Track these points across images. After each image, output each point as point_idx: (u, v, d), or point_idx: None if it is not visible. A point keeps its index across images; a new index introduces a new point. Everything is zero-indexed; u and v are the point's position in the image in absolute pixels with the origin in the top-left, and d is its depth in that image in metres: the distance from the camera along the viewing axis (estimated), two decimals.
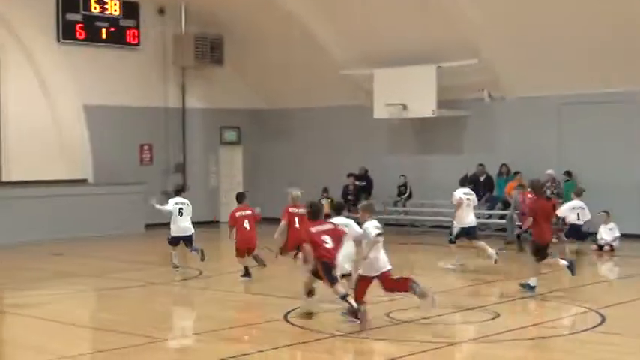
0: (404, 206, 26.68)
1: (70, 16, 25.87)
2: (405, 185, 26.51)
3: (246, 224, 16.77)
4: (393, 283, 12.51)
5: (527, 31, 22.71)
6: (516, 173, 24.04)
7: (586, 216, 19.44)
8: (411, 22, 24.10)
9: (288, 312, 13.17)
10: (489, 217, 24.87)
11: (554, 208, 16.67)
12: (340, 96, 27.22)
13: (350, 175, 26.78)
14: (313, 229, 12.56)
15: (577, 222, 19.36)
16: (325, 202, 25.17)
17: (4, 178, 24.67)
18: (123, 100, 26.90)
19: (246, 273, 16.72)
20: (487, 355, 10.91)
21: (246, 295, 15.92)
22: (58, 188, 23.79)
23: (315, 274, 12.67)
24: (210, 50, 27.76)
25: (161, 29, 28.05)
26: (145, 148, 27.85)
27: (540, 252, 14.77)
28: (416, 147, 26.77)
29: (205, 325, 12.82)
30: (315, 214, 12.85)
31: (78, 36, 26.09)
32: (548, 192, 21.61)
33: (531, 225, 14.89)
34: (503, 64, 24.12)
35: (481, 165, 24.92)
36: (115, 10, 26.83)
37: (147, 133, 27.76)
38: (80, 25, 26.09)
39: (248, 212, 16.94)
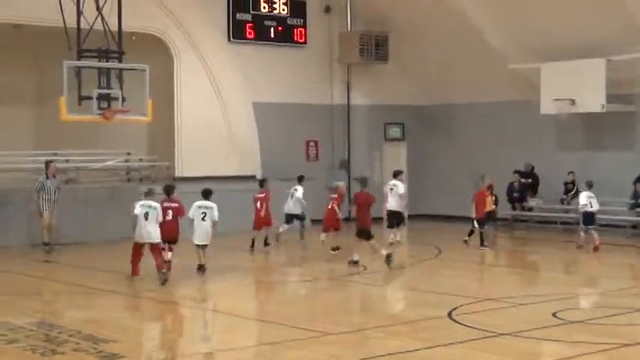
0: (569, 204, 26.05)
1: (241, 16, 26.68)
2: (573, 182, 25.83)
3: (258, 204, 21.12)
4: (156, 255, 15.99)
5: None
6: None
7: (597, 204, 20.98)
8: (579, 13, 23.52)
9: (453, 309, 13.17)
10: None
11: (374, 200, 18.49)
12: (505, 91, 26.86)
13: (516, 172, 26.42)
14: (165, 204, 16.58)
15: (591, 209, 20.79)
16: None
17: (178, 174, 25.55)
18: (290, 97, 27.52)
19: (252, 245, 20.94)
20: None
21: (410, 291, 16.01)
22: (228, 184, 24.41)
23: None
24: (375, 47, 27.95)
25: (327, 27, 28.49)
26: (311, 144, 28.36)
27: (364, 234, 17.89)
28: (584, 143, 26.10)
29: (371, 321, 12.97)
30: (167, 191, 17.04)
31: (247, 35, 26.87)
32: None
33: (356, 213, 18.27)
34: None
35: None
36: (283, 10, 27.48)
37: (313, 130, 28.25)
38: (250, 24, 26.88)
39: (261, 195, 21.28)
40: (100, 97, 19.65)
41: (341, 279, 17.32)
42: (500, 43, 25.96)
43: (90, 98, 19.55)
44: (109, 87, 19.85)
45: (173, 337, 12.64)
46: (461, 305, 13.50)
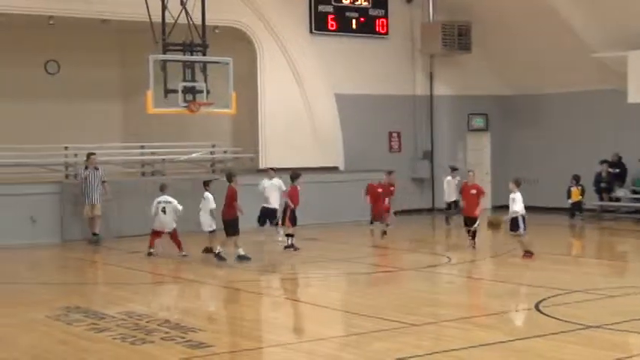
0: None
1: (322, 8, 26.76)
2: None
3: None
4: (175, 241, 18.83)
5: None
6: None
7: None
8: None
9: (540, 301, 13.01)
10: None
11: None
12: (591, 80, 26.40)
13: (603, 162, 25.95)
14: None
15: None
16: (575, 190, 24.64)
17: (262, 165, 25.74)
18: (372, 88, 27.48)
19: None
20: None
21: (497, 283, 15.86)
22: (311, 175, 24.52)
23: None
24: (457, 37, 27.71)
25: (409, 17, 28.36)
26: (394, 135, 28.29)
27: (232, 228, 17.88)
28: None
29: (456, 312, 12.90)
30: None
31: (329, 27, 26.92)
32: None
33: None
34: None
35: None
36: (365, 1, 27.42)
37: (395, 121, 28.18)
38: (331, 16, 26.92)
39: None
40: (185, 90, 19.93)
41: (426, 270, 17.23)
42: (586, 32, 25.49)
43: (175, 91, 19.84)
44: (193, 80, 20.11)
45: (259, 327, 12.74)
46: (548, 297, 13.32)
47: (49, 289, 15.92)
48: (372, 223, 22.45)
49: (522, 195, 17.84)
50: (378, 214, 22.09)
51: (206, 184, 19.00)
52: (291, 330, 12.46)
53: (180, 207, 18.84)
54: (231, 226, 17.94)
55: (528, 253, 17.67)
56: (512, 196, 17.78)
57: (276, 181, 20.72)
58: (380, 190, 22.05)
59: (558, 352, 10.35)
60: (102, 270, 18.85)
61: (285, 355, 10.75)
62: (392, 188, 22.48)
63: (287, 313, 13.76)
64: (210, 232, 18.68)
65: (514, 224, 17.79)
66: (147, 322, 12.12)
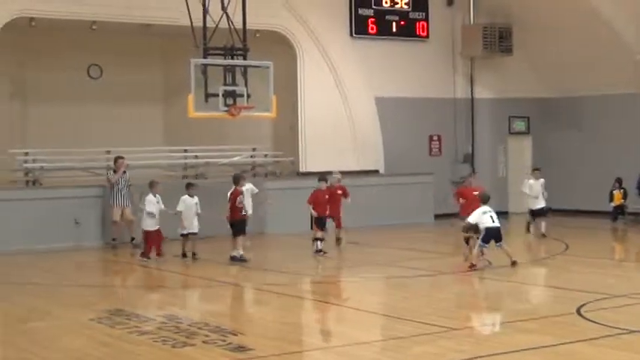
0: None
1: (363, 11, 26.76)
2: None
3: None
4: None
5: None
6: None
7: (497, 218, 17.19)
8: None
9: (582, 305, 12.91)
10: None
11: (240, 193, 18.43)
12: (634, 82, 26.13)
13: None
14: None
15: (493, 225, 16.92)
16: (617, 193, 24.42)
17: (302, 169, 25.80)
18: (412, 91, 27.42)
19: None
20: None
21: (538, 287, 15.77)
22: (351, 179, 24.50)
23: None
24: (498, 39, 27.59)
25: (449, 20, 28.26)
26: (434, 138, 28.20)
27: (238, 228, 18.31)
28: None
29: (497, 316, 12.84)
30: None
31: (370, 30, 26.92)
32: None
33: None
34: None
35: None
36: (405, 4, 27.39)
37: (436, 124, 28.10)
38: (372, 19, 26.92)
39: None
40: (226, 94, 20.01)
41: (466, 274, 17.16)
42: (629, 33, 25.28)
43: (216, 95, 19.94)
44: (234, 84, 20.20)
45: (299, 331, 12.78)
46: (589, 302, 13.21)
47: (92, 291, 16.09)
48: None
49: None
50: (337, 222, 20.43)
51: (188, 186, 19.24)
52: (331, 334, 12.48)
53: (158, 206, 18.93)
54: (237, 227, 18.27)
55: (472, 265, 17.01)
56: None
57: (248, 186, 19.38)
58: (340, 192, 20.40)
59: (600, 358, 10.27)
60: (142, 273, 18.96)
61: (326, 358, 10.78)
62: (475, 193, 21.91)
63: (325, 317, 13.77)
64: (189, 234, 19.04)
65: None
66: (187, 325, 12.21)
